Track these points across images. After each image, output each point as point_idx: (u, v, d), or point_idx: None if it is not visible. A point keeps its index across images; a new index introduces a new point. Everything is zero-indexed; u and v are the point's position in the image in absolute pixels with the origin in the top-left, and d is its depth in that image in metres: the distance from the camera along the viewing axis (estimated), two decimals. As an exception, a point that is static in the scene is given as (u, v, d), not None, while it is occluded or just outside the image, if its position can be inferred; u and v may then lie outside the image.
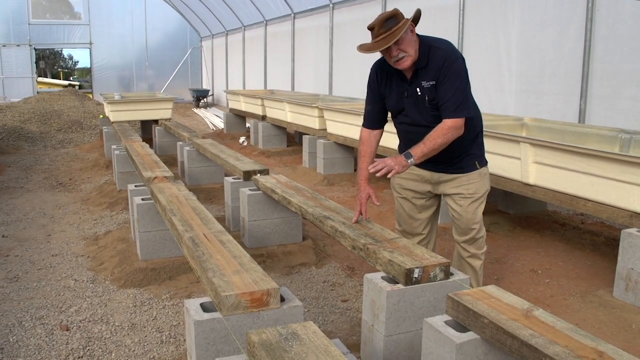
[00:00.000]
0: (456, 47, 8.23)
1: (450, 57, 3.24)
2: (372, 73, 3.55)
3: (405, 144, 3.52)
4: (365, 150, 3.62)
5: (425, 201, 3.67)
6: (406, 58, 3.22)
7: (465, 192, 3.48)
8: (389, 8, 9.95)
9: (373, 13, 10.26)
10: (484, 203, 3.58)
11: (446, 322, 2.37)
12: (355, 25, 11.09)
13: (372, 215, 6.16)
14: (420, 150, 3.23)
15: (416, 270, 2.81)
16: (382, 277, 2.92)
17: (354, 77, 11.30)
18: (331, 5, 11.87)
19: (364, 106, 3.72)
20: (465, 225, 3.54)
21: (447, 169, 3.49)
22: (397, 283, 2.85)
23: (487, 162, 3.58)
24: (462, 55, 3.32)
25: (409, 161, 3.21)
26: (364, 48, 3.26)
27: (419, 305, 2.85)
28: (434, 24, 8.59)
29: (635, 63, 5.91)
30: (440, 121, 3.25)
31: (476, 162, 3.50)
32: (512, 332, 2.09)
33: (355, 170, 8.41)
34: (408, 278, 2.80)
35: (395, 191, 3.78)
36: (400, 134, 3.61)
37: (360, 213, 3.56)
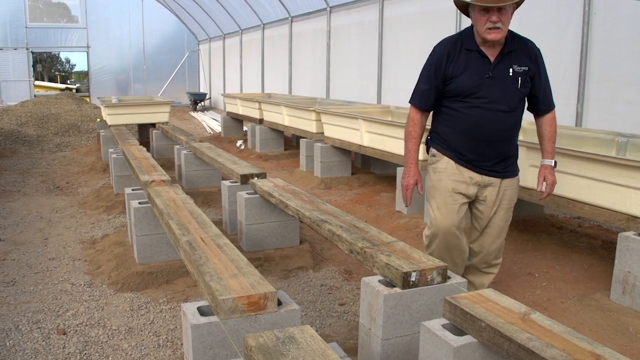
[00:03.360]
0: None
1: (538, 49, 3.34)
2: (440, 51, 3.32)
3: (465, 132, 3.34)
4: (417, 132, 3.46)
5: (466, 207, 3.54)
6: (500, 30, 3.12)
7: (507, 199, 3.49)
8: (386, 11, 10.02)
9: (370, 17, 10.29)
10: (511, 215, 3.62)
11: (443, 326, 2.38)
12: (352, 28, 11.10)
13: (369, 219, 6.16)
14: (554, 151, 3.54)
15: (413, 274, 2.81)
16: (380, 281, 2.92)
17: (352, 81, 11.32)
18: (328, 8, 11.89)
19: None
20: (497, 233, 3.57)
21: (495, 172, 3.43)
22: (395, 286, 2.85)
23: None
24: None
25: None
26: None
27: (416, 308, 2.85)
28: (432, 27, 8.60)
29: (632, 66, 5.93)
30: (519, 108, 3.38)
31: (517, 167, 3.55)
32: (509, 335, 2.10)
33: (352, 173, 8.42)
34: (405, 281, 2.80)
35: (440, 198, 3.46)
36: (463, 119, 3.33)
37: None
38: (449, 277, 2.95)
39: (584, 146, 5.17)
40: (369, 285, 2.91)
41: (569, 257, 4.94)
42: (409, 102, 3.49)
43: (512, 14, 3.17)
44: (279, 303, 2.66)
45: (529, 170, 4.79)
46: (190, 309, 2.65)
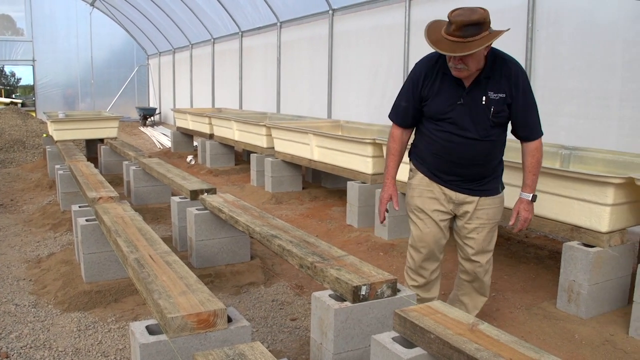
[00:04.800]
0: (402, 67, 8.30)
1: (522, 72, 3.19)
2: (419, 71, 3.29)
3: (437, 153, 3.32)
4: (395, 149, 3.44)
5: (447, 223, 3.48)
6: (463, 70, 3.06)
7: (485, 217, 3.40)
8: (336, 27, 10.10)
9: (320, 31, 10.34)
10: (497, 232, 3.57)
11: (394, 339, 2.39)
12: (303, 43, 11.15)
13: (320, 233, 6.17)
14: (535, 184, 3.37)
15: (363, 288, 2.82)
16: (330, 295, 2.92)
17: (302, 95, 11.35)
18: (279, 23, 11.92)
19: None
20: (481, 251, 3.48)
21: (472, 190, 3.36)
22: (345, 301, 2.85)
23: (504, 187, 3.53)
24: None
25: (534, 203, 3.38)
26: (431, 38, 3.02)
27: (366, 322, 2.86)
28: (382, 42, 8.70)
29: (574, 81, 6.10)
30: (492, 135, 3.23)
31: (499, 186, 3.47)
32: (458, 346, 2.12)
33: (303, 188, 8.43)
34: (355, 295, 2.81)
35: (414, 214, 3.48)
36: (435, 142, 3.32)
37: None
38: (398, 290, 2.97)
39: (529, 159, 5.28)
40: (319, 300, 2.91)
41: (516, 268, 5.04)
42: (389, 116, 3.48)
43: (486, 49, 3.09)
44: (229, 320, 2.64)
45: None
46: (138, 328, 2.60)
